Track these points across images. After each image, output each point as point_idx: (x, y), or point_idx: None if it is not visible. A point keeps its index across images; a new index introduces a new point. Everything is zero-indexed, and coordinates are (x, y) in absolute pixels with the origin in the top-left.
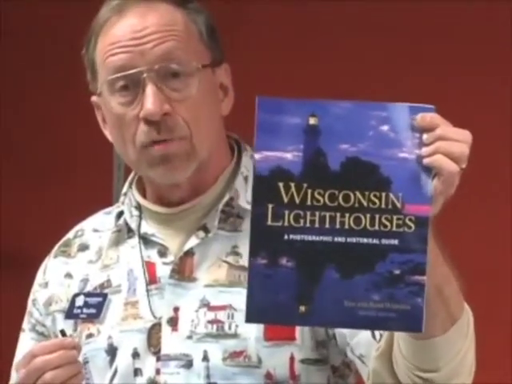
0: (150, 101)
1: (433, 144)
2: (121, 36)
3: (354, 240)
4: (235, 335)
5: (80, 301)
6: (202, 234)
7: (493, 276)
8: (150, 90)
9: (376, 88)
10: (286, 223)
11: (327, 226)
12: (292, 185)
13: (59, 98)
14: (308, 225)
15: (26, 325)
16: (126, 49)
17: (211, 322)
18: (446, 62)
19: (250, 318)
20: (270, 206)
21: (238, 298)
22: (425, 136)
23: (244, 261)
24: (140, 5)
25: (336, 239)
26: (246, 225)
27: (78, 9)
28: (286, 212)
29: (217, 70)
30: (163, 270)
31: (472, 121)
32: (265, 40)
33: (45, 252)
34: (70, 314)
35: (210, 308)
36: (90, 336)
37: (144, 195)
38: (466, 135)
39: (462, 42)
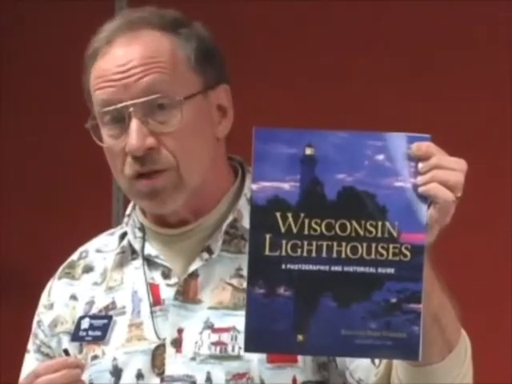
0: (133, 136)
1: (428, 173)
2: (106, 70)
3: (350, 269)
4: (238, 357)
5: (85, 323)
6: (205, 255)
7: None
8: (133, 125)
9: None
10: (283, 253)
11: (324, 255)
12: (289, 214)
13: (59, 122)
14: (305, 254)
15: (30, 346)
16: (110, 83)
17: (215, 343)
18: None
19: (249, 348)
20: (268, 236)
21: (242, 320)
22: (420, 165)
23: None
24: (127, 34)
25: (333, 268)
26: None
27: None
28: (284, 241)
29: (211, 94)
30: (167, 292)
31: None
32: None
33: (44, 274)
34: (75, 336)
35: (214, 330)
36: (95, 358)
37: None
38: (461, 164)
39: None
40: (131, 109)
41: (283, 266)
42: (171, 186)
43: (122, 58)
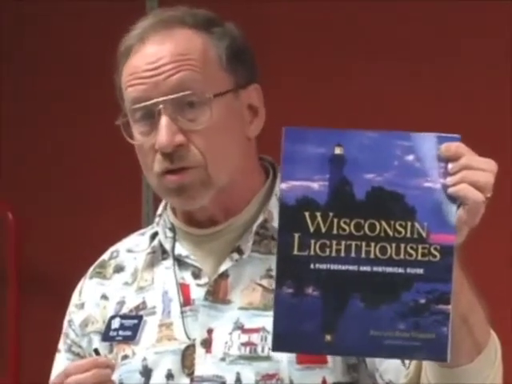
0: (163, 133)
1: (458, 173)
2: (137, 67)
3: (379, 269)
4: (268, 358)
5: (116, 323)
6: (236, 255)
7: None
8: (163, 122)
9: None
10: (312, 252)
11: (353, 255)
12: (318, 214)
13: (89, 121)
14: (334, 254)
15: (61, 346)
16: (141, 80)
17: (245, 344)
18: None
19: (277, 347)
20: (297, 236)
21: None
22: (450, 165)
23: None
24: (159, 32)
25: (361, 268)
26: None
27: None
28: (312, 241)
29: (242, 93)
30: (197, 292)
31: None
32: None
33: (76, 274)
34: (106, 336)
35: (244, 331)
36: (125, 357)
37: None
38: (491, 164)
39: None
40: (161, 106)
41: (312, 266)
42: (199, 183)
43: (153, 55)
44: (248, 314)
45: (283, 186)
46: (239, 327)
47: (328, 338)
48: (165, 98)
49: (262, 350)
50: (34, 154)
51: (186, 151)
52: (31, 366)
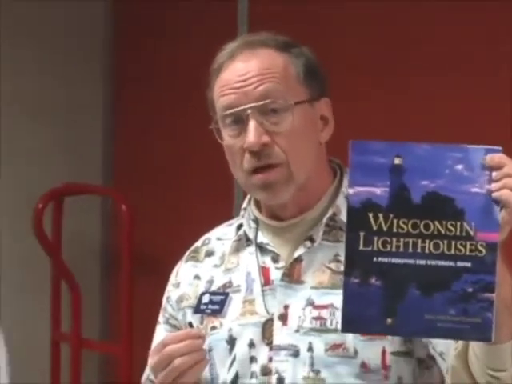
0: (251, 134)
1: (500, 181)
2: (229, 79)
3: (433, 263)
4: (336, 330)
5: (206, 298)
6: (308, 243)
7: None
8: (251, 124)
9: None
10: (375, 248)
11: (410, 250)
12: (380, 215)
13: (189, 128)
14: (394, 249)
15: (161, 318)
16: (232, 90)
17: (315, 318)
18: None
19: (345, 329)
20: (362, 234)
21: (339, 298)
22: (494, 173)
23: None
24: (246, 52)
25: (418, 262)
26: None
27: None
28: (375, 238)
29: (316, 104)
30: (276, 274)
31: None
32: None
33: (175, 254)
34: (197, 309)
35: (315, 307)
36: (213, 328)
37: (260, 210)
38: None
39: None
40: (249, 111)
41: (375, 260)
42: (283, 180)
43: (243, 69)
44: (318, 292)
45: (350, 191)
46: (311, 304)
47: (389, 321)
48: (253, 104)
49: (331, 324)
50: (143, 156)
51: (271, 150)
52: (141, 336)
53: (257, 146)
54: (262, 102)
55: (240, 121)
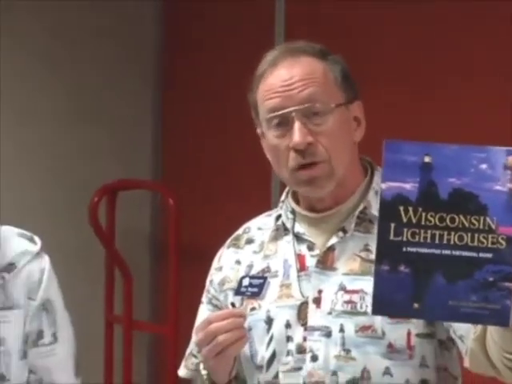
0: (297, 134)
1: None
2: (273, 84)
3: (457, 253)
4: (365, 313)
5: (246, 282)
6: (341, 234)
7: None
8: (297, 125)
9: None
10: (404, 238)
11: (437, 241)
12: (410, 208)
13: (233, 129)
14: (422, 240)
15: (204, 299)
16: (277, 94)
17: (347, 302)
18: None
19: (375, 312)
20: (392, 225)
21: (369, 284)
22: None
23: (373, 256)
24: (288, 59)
25: (443, 252)
26: (376, 228)
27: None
28: (405, 230)
29: (350, 107)
30: (311, 261)
31: None
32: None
33: (217, 244)
34: (238, 291)
35: (346, 291)
36: (253, 309)
37: (297, 202)
38: None
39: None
40: (294, 114)
41: (404, 249)
42: (325, 175)
43: (286, 75)
44: (349, 278)
45: (383, 185)
46: (342, 288)
47: (416, 305)
48: (297, 107)
49: (361, 307)
50: (190, 153)
51: (314, 148)
52: (186, 318)
53: (302, 145)
54: (306, 105)
55: (285, 122)
